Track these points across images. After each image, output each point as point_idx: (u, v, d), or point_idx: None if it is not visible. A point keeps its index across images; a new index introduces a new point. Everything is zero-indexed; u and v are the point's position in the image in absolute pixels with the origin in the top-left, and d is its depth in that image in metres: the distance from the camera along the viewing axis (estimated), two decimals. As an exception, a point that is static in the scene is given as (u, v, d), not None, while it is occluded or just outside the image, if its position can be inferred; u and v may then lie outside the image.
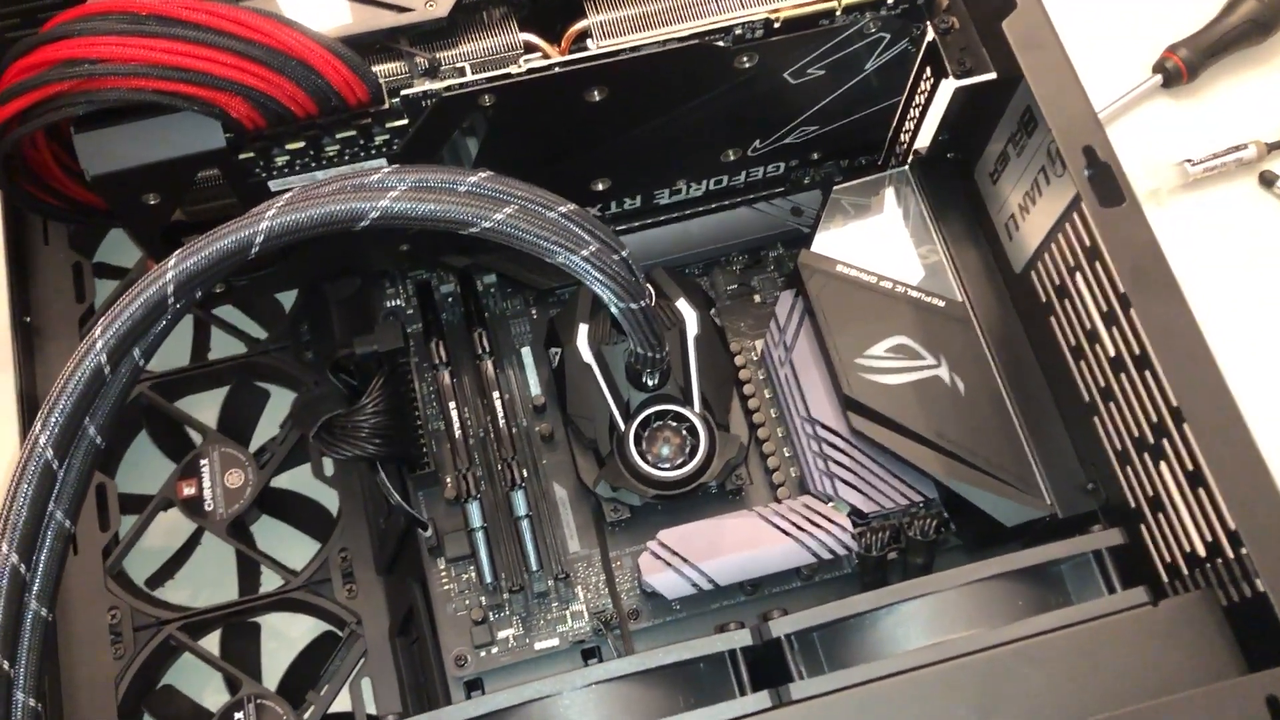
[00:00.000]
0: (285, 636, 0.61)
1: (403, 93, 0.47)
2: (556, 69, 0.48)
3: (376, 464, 0.54)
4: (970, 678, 0.39)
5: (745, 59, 0.50)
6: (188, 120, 0.45)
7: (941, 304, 0.56)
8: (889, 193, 0.59)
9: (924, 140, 0.58)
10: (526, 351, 0.60)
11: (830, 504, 0.55)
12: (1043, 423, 0.53)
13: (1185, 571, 0.44)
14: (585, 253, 0.45)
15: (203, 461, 0.61)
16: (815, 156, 0.60)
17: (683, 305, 0.56)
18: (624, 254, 0.47)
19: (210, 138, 0.46)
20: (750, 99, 0.53)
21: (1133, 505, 0.48)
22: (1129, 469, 0.48)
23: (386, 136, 0.49)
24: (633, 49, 0.48)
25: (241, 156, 0.48)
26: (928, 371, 0.55)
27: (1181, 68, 0.76)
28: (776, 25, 0.49)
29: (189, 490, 0.60)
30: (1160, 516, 0.46)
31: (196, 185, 0.51)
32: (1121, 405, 0.46)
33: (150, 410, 0.63)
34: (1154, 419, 0.44)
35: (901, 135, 0.58)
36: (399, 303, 0.61)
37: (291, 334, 0.64)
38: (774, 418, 0.59)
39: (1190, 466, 0.41)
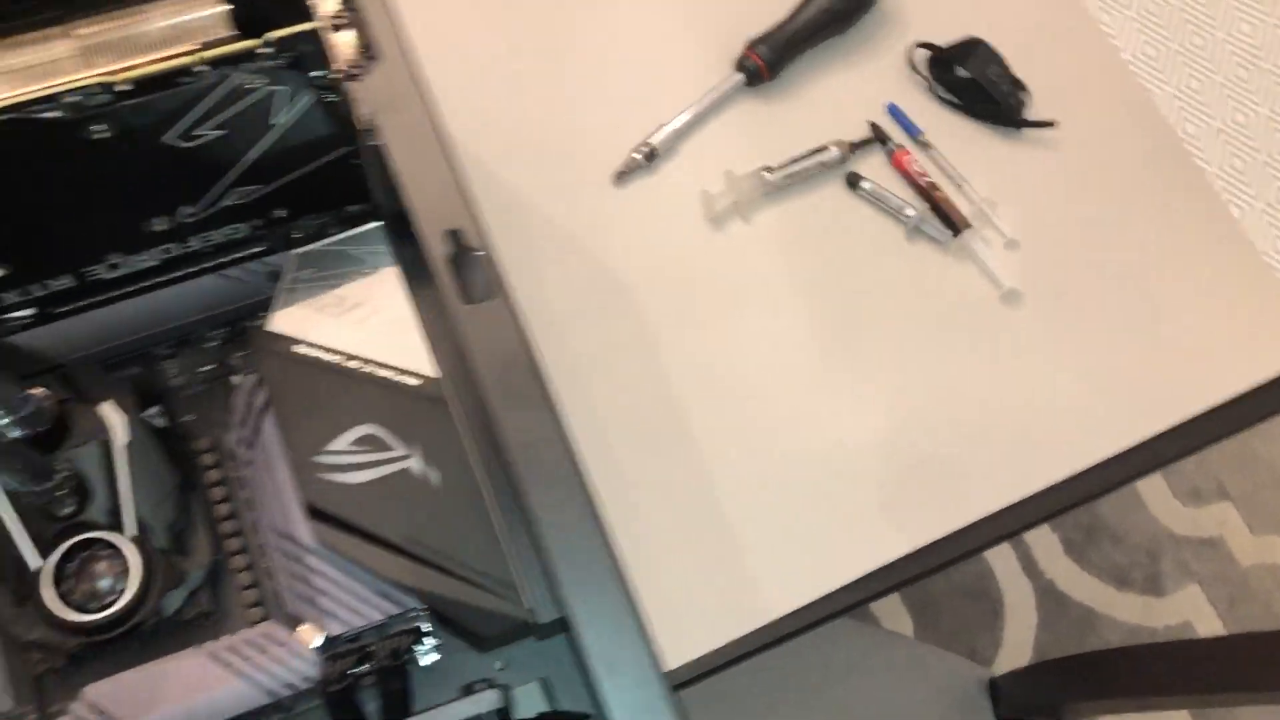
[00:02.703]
0: None
1: None
2: None
3: None
4: None
5: (96, 129, 0.42)
6: None
7: (415, 383, 0.49)
8: (360, 254, 0.51)
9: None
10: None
11: (301, 628, 0.47)
12: (524, 514, 0.47)
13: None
14: None
15: None
16: (281, 215, 0.52)
17: (104, 411, 0.48)
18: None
19: None
20: (141, 166, 0.45)
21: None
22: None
23: None
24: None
25: None
26: (397, 464, 0.48)
27: (761, 65, 0.71)
28: (121, 90, 0.41)
29: None
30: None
31: None
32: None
33: None
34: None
35: (369, 190, 0.51)
36: None
37: None
38: (252, 526, 0.51)
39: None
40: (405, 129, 0.37)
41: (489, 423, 0.47)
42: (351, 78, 0.43)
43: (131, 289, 0.52)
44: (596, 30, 0.73)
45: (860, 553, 0.61)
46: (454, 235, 0.36)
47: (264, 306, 0.54)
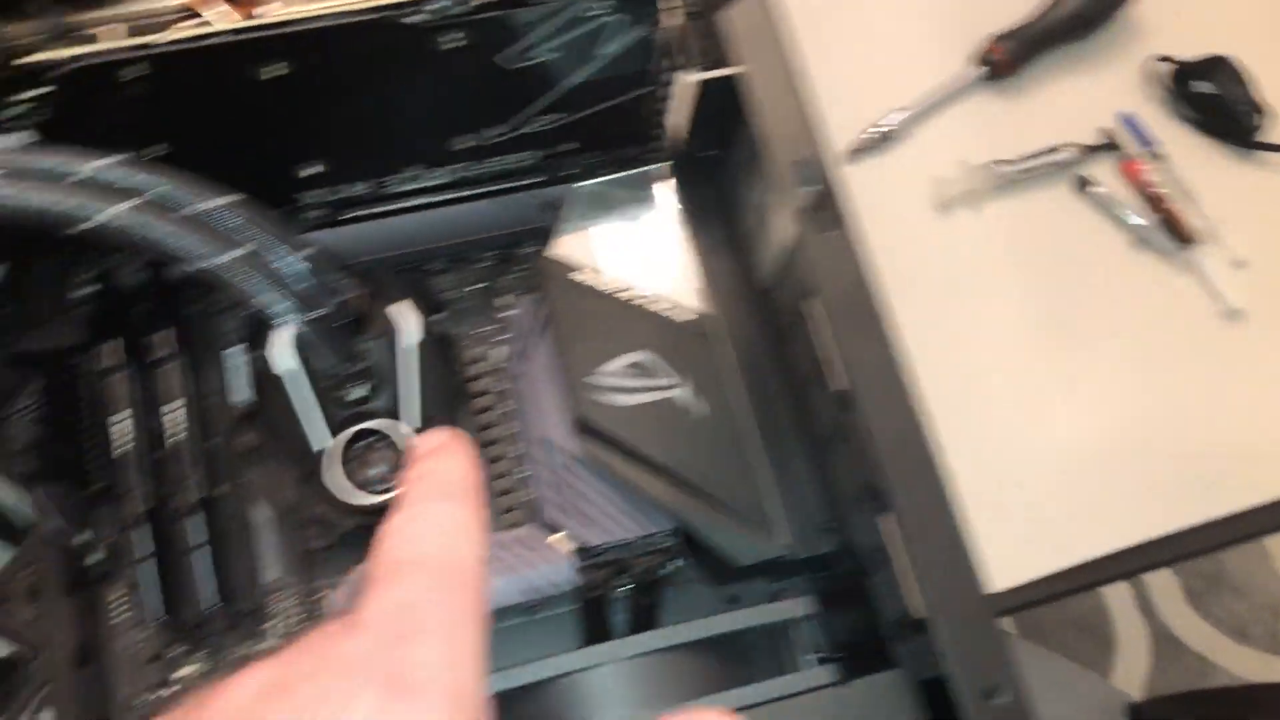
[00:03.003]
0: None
1: (16, 62, 0.40)
2: (212, 40, 0.41)
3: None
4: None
5: (449, 38, 0.44)
6: None
7: (689, 318, 0.50)
8: (643, 192, 0.53)
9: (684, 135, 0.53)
10: (234, 352, 0.53)
11: (558, 534, 0.49)
12: (786, 453, 0.49)
13: (894, 635, 0.40)
14: (231, 257, 0.39)
15: None
16: (570, 147, 0.54)
17: (399, 310, 0.50)
18: (300, 255, 0.41)
19: None
20: (472, 82, 0.47)
21: (866, 554, 0.43)
22: (856, 517, 0.43)
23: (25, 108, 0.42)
24: (304, 21, 0.42)
25: None
26: (667, 392, 0.49)
27: (1004, 61, 0.71)
28: (480, 2, 0.43)
29: None
30: (879, 575, 0.41)
31: None
32: (842, 450, 0.41)
33: None
34: (862, 469, 0.39)
35: (660, 129, 0.53)
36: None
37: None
38: (510, 436, 0.53)
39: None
40: (762, 63, 0.39)
41: (757, 361, 0.49)
42: (693, 15, 0.45)
43: (414, 204, 0.55)
44: (841, 7, 0.74)
45: (1037, 553, 0.61)
46: (802, 166, 0.38)
47: (534, 235, 0.56)
